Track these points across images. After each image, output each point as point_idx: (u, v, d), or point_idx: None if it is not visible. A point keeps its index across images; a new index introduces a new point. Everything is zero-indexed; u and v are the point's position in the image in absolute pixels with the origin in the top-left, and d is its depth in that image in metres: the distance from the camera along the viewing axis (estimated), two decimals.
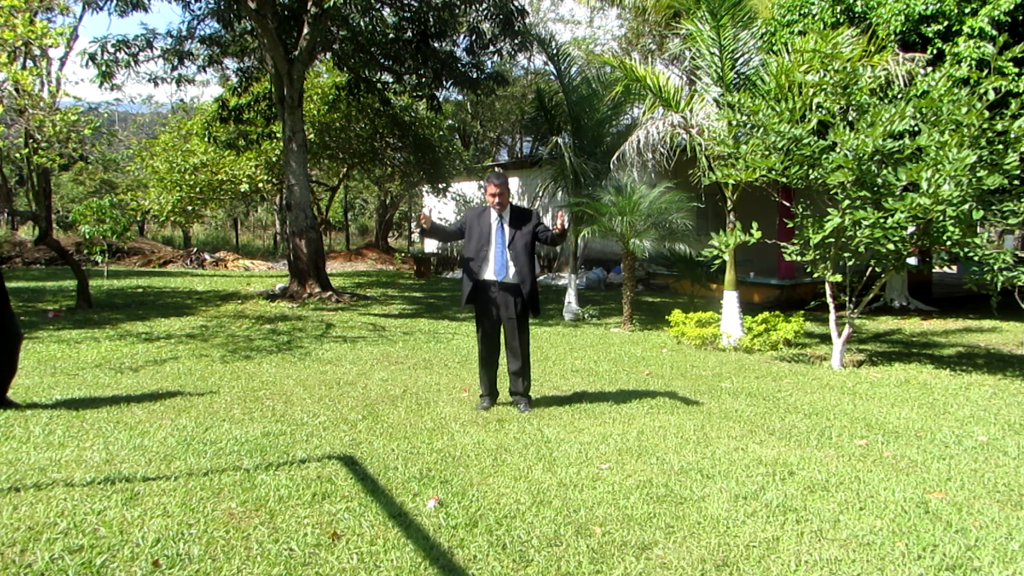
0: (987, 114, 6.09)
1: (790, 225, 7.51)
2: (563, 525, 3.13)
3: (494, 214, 5.16)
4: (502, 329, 5.25)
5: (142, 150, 22.85)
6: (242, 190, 21.56)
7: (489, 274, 5.13)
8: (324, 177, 26.80)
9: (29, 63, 10.86)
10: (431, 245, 25.05)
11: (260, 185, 21.79)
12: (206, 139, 17.71)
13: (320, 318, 10.59)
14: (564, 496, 3.47)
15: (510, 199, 5.25)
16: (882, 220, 6.32)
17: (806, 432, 4.75)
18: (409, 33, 14.38)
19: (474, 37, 14.41)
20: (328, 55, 16.32)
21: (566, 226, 5.02)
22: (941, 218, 6.33)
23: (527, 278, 5.15)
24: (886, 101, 6.98)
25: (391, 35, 14.62)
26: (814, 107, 6.98)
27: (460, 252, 23.50)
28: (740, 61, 8.94)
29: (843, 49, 7.04)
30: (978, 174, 6.06)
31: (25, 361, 6.84)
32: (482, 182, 21.40)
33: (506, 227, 5.14)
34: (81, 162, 25.22)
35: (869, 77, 7.10)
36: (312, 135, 19.39)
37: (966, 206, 6.06)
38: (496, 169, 20.91)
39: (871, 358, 7.92)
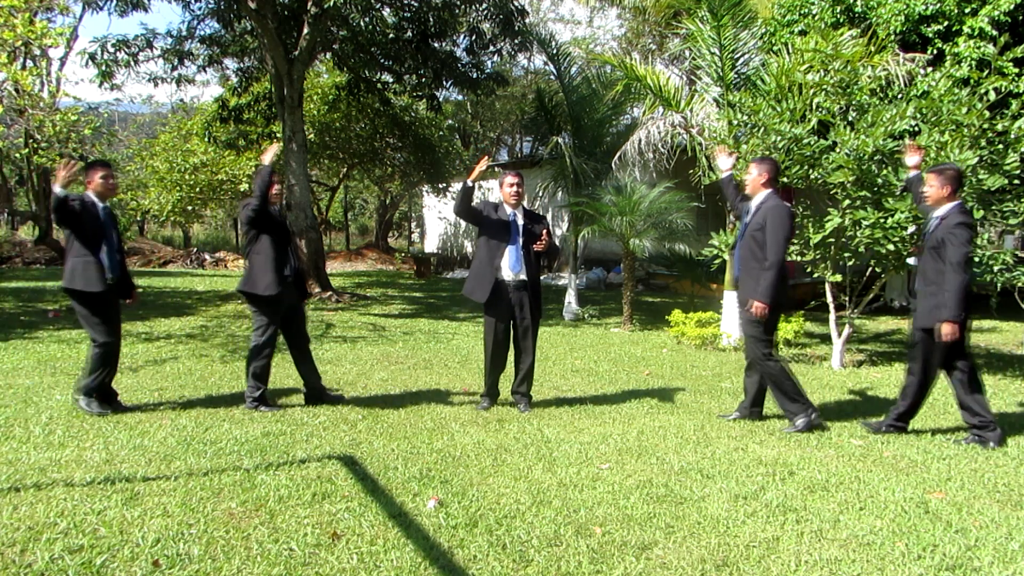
0: (987, 114, 6.09)
1: None
2: (563, 525, 3.13)
3: (509, 210, 5.14)
4: (511, 330, 5.26)
5: (142, 150, 22.84)
6: (242, 190, 21.54)
7: (504, 269, 5.10)
8: (324, 177, 26.78)
9: (29, 63, 10.87)
10: (431, 245, 25.04)
11: None
12: (206, 139, 17.70)
13: (320, 318, 10.58)
14: (564, 496, 3.47)
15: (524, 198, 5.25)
16: (882, 220, 6.32)
17: (806, 432, 4.75)
18: (409, 33, 14.36)
19: (474, 37, 14.39)
20: (328, 55, 16.30)
21: (553, 244, 5.18)
22: None
23: (536, 278, 5.20)
24: (886, 101, 6.98)
25: (391, 35, 14.61)
26: (814, 107, 6.98)
27: (460, 251, 23.57)
28: (740, 61, 8.93)
29: (843, 49, 7.04)
30: (978, 175, 6.06)
31: (25, 361, 6.84)
32: (485, 182, 21.45)
33: (520, 224, 5.14)
34: (81, 162, 25.18)
35: (869, 77, 7.10)
36: (312, 135, 19.37)
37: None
38: (496, 169, 20.93)
39: (871, 358, 7.92)
